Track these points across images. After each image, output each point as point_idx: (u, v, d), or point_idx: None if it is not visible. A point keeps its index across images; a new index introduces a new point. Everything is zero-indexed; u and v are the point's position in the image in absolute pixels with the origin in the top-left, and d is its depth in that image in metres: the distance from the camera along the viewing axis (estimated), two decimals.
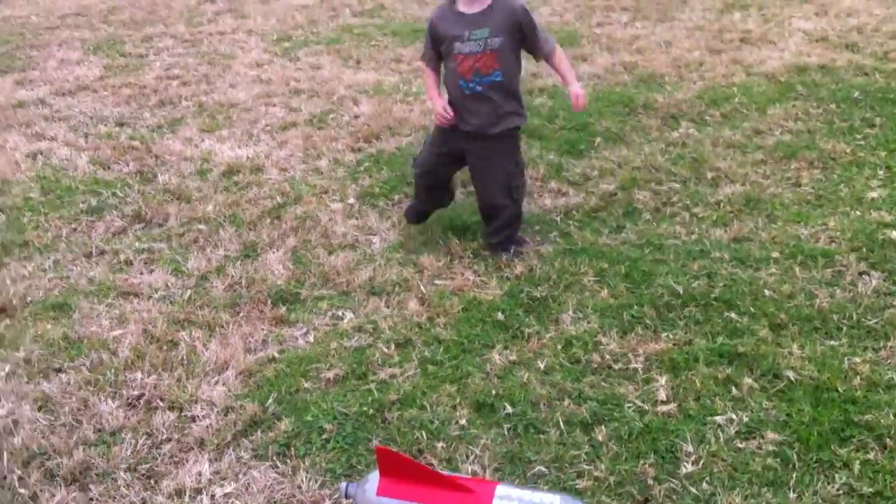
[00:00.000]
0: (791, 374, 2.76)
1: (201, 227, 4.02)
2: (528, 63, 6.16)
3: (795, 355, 2.84)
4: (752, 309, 3.10)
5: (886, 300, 3.11)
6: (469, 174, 3.66)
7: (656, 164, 4.29)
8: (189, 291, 3.51)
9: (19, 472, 2.61)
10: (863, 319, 3.01)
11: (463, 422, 2.69)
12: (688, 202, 3.93)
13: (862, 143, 4.36)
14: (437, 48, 3.43)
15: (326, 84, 5.87)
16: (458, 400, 2.78)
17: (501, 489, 2.24)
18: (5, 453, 2.67)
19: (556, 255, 3.56)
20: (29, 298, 3.51)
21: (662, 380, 2.80)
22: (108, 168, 4.74)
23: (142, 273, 3.68)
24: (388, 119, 5.14)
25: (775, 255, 3.43)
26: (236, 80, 6.07)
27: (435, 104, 3.47)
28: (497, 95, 3.37)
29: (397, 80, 5.90)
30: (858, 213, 3.69)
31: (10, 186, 4.52)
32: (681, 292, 3.22)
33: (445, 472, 2.31)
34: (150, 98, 5.83)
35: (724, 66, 5.54)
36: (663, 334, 3.03)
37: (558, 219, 3.89)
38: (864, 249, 3.41)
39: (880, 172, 4.04)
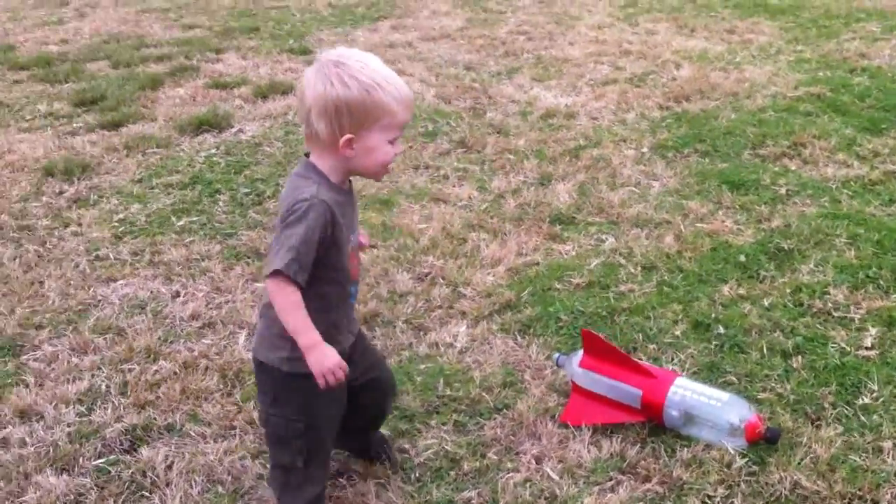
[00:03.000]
0: None
1: (510, 156, 4.67)
2: (856, 43, 6.14)
3: None
4: None
5: None
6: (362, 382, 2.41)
7: None
8: (486, 204, 4.17)
9: None
10: None
11: (678, 333, 3.10)
12: None
13: None
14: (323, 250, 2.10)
15: (655, 48, 6.28)
16: (679, 317, 3.19)
17: (681, 380, 2.67)
18: None
19: (817, 216, 3.79)
20: (363, 193, 4.36)
21: (874, 331, 3.02)
22: (449, 103, 5.54)
23: (453, 186, 4.40)
24: (702, 83, 5.48)
25: None
26: (576, 39, 6.65)
27: (329, 357, 2.10)
28: None
29: (723, 49, 6.17)
30: None
31: None
32: None
33: (638, 360, 2.78)
34: (498, 49, 6.59)
35: None
36: (893, 295, 3.21)
37: (833, 186, 4.08)
38: None
39: None
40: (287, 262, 2.04)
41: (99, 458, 2.69)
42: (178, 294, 3.53)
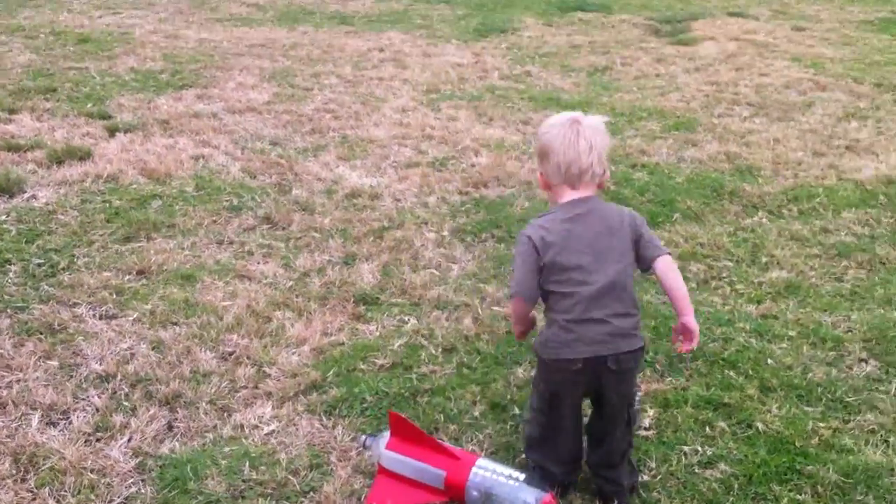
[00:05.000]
0: (760, 426, 3.21)
1: (316, 234, 4.76)
2: (637, 140, 6.65)
3: (772, 413, 3.29)
4: (750, 371, 3.56)
5: (873, 384, 3.51)
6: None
7: (719, 244, 4.76)
8: (291, 282, 4.23)
9: (127, 390, 3.36)
10: (844, 396, 3.42)
11: (476, 414, 3.27)
12: (734, 279, 4.39)
13: None
14: None
15: (456, 134, 6.58)
16: (478, 398, 3.36)
17: (482, 461, 2.82)
18: (119, 374, 3.43)
19: None
20: (165, 267, 4.31)
21: (651, 412, 3.30)
22: (255, 177, 5.57)
23: (258, 263, 4.43)
24: (499, 171, 5.79)
25: (792, 333, 3.86)
26: (381, 121, 6.86)
27: None
28: None
29: (519, 139, 6.55)
30: (882, 311, 4.06)
31: (172, 179, 5.40)
32: (695, 350, 3.69)
33: (442, 442, 2.91)
34: (305, 125, 6.68)
35: (821, 168, 5.92)
36: (667, 378, 3.52)
37: None
38: (873, 342, 3.79)
39: None
40: None
41: None
42: None
